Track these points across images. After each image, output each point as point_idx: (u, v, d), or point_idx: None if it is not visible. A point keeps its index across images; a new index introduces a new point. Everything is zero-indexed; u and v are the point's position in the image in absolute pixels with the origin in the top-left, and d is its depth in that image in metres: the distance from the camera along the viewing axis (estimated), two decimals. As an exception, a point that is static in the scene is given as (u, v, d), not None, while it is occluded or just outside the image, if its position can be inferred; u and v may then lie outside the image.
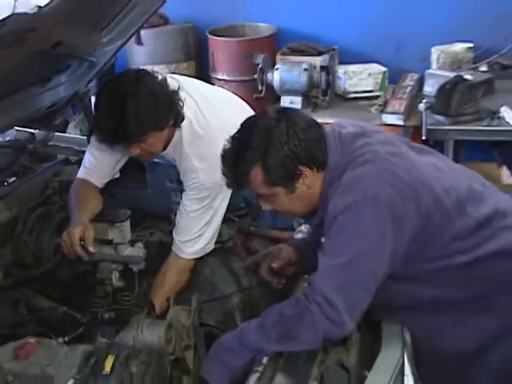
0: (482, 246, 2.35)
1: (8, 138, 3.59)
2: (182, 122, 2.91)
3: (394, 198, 2.25)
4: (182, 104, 2.89)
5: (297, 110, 2.53)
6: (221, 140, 2.93)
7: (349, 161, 2.36)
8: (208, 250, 3.02)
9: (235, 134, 2.48)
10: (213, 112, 3.03)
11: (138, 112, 2.70)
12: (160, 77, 2.88)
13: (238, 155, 2.41)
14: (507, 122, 4.94)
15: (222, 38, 6.15)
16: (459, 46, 5.71)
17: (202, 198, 2.94)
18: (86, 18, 2.60)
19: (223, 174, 2.53)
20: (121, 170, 3.22)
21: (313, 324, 2.27)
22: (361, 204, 2.26)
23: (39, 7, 1.72)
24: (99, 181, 3.14)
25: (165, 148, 2.95)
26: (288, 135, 2.33)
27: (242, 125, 2.49)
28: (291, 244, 2.83)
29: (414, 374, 2.88)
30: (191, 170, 2.94)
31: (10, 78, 2.55)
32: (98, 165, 3.13)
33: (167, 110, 2.83)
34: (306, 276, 2.71)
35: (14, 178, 3.32)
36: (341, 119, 2.64)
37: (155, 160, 3.16)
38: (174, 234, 3.00)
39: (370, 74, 5.82)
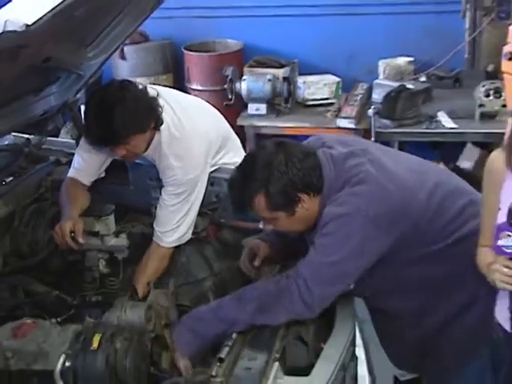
0: (460, 230, 2.40)
1: (6, 142, 3.54)
2: (161, 125, 2.88)
3: (381, 215, 2.30)
4: (161, 109, 2.87)
5: (293, 141, 2.51)
6: (195, 141, 2.95)
7: (346, 180, 2.37)
8: (185, 240, 3.00)
9: (239, 165, 2.48)
10: (188, 117, 3.01)
11: (124, 116, 2.69)
12: (141, 86, 2.87)
13: (244, 185, 2.40)
14: (443, 125, 5.01)
15: (196, 53, 6.13)
16: (402, 60, 5.75)
17: (179, 194, 2.92)
18: (74, 35, 2.58)
19: (231, 200, 2.54)
20: (106, 170, 3.19)
21: (289, 303, 2.31)
22: (353, 216, 2.29)
23: (27, 25, 1.70)
24: (87, 179, 3.12)
25: (146, 149, 2.93)
26: (287, 166, 2.33)
27: (245, 157, 2.50)
28: (265, 240, 2.79)
29: (364, 345, 2.92)
30: (169, 168, 2.93)
31: (6, 90, 2.52)
32: (85, 165, 3.11)
33: (148, 114, 2.82)
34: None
35: (11, 178, 3.28)
36: (322, 134, 2.68)
37: (137, 161, 3.13)
38: (154, 225, 2.99)
39: (325, 84, 5.81)
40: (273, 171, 2.33)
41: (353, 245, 2.30)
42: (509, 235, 1.98)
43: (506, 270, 2.01)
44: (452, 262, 2.39)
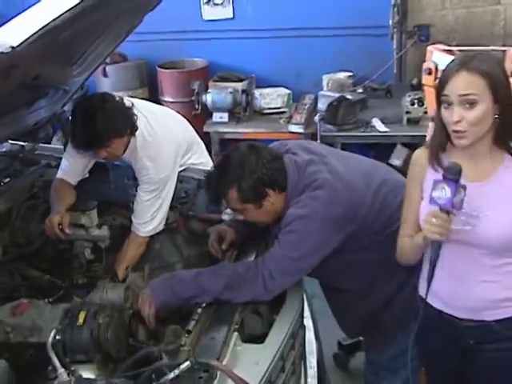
0: (397, 222, 2.39)
1: (4, 149, 3.51)
2: (135, 131, 2.86)
3: (335, 216, 2.31)
4: (135, 117, 2.85)
5: (263, 145, 2.52)
6: (165, 145, 2.94)
7: (306, 184, 2.37)
8: (159, 230, 2.97)
9: (217, 163, 2.48)
10: (159, 124, 3.00)
11: (104, 123, 2.67)
12: (118, 98, 2.86)
13: (219, 180, 2.39)
14: (377, 129, 5.07)
15: (168, 70, 6.10)
16: (342, 75, 5.78)
17: (152, 190, 2.90)
18: (59, 55, 2.54)
19: (208, 193, 2.53)
20: (90, 171, 3.16)
21: (253, 288, 2.31)
22: (312, 218, 2.30)
23: (12, 47, 1.68)
24: (73, 180, 3.09)
25: (124, 152, 2.90)
26: (257, 165, 2.34)
27: (222, 156, 2.49)
28: (231, 226, 2.77)
29: (312, 315, 2.93)
30: (144, 168, 2.91)
31: (1, 104, 2.49)
32: (72, 168, 3.08)
33: (125, 121, 2.80)
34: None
35: (8, 179, 3.25)
36: (287, 141, 2.66)
37: (116, 163, 3.11)
38: (132, 218, 2.96)
39: (278, 95, 5.82)
40: (245, 169, 2.33)
41: (312, 243, 2.32)
42: (443, 187, 1.97)
43: (434, 220, 1.99)
44: (392, 246, 2.40)
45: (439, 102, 2.09)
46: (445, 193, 1.97)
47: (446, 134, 2.12)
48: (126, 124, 2.81)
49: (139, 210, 2.94)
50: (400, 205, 2.43)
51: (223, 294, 2.31)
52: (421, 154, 2.25)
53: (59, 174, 3.09)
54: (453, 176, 1.97)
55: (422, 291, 2.28)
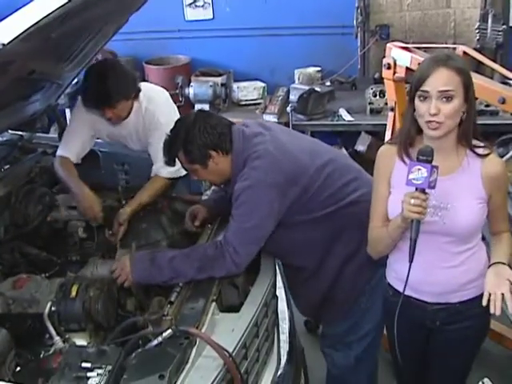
0: (343, 200, 2.37)
1: (5, 139, 3.46)
2: (139, 93, 2.85)
3: (278, 182, 2.26)
4: (139, 82, 2.85)
5: (213, 112, 2.50)
6: (165, 97, 2.99)
7: (248, 155, 2.32)
8: (178, 175, 2.91)
9: (171, 129, 2.44)
10: (155, 93, 3.01)
11: (115, 83, 2.66)
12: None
13: (170, 143, 2.38)
14: (343, 119, 5.07)
15: (154, 66, 6.04)
16: (312, 69, 5.77)
17: (163, 134, 2.70)
18: (52, 52, 2.54)
19: (163, 156, 2.47)
20: (82, 159, 3.06)
21: (223, 265, 2.26)
22: (256, 187, 2.26)
23: (3, 44, 1.65)
24: (73, 156, 3.00)
25: (128, 115, 2.86)
26: (200, 130, 2.31)
27: (175, 122, 2.44)
28: (205, 205, 2.74)
29: (284, 287, 2.92)
30: (150, 116, 2.90)
31: (1, 97, 2.45)
32: (72, 144, 3.00)
33: (133, 84, 2.80)
34: (209, 225, 2.69)
35: (8, 166, 3.21)
36: (246, 120, 2.60)
37: (106, 150, 3.06)
38: (153, 163, 2.93)
39: (254, 88, 5.80)
40: (190, 133, 2.32)
41: (261, 211, 2.27)
42: (419, 169, 1.92)
43: (412, 200, 1.94)
44: (332, 226, 2.38)
45: (411, 98, 2.03)
46: (421, 173, 1.92)
47: (416, 128, 2.08)
48: (133, 87, 2.80)
49: (157, 154, 2.77)
50: (344, 185, 2.40)
51: (198, 275, 2.27)
52: (386, 151, 2.19)
53: (60, 152, 3.00)
54: (427, 157, 1.93)
55: (389, 278, 2.28)
